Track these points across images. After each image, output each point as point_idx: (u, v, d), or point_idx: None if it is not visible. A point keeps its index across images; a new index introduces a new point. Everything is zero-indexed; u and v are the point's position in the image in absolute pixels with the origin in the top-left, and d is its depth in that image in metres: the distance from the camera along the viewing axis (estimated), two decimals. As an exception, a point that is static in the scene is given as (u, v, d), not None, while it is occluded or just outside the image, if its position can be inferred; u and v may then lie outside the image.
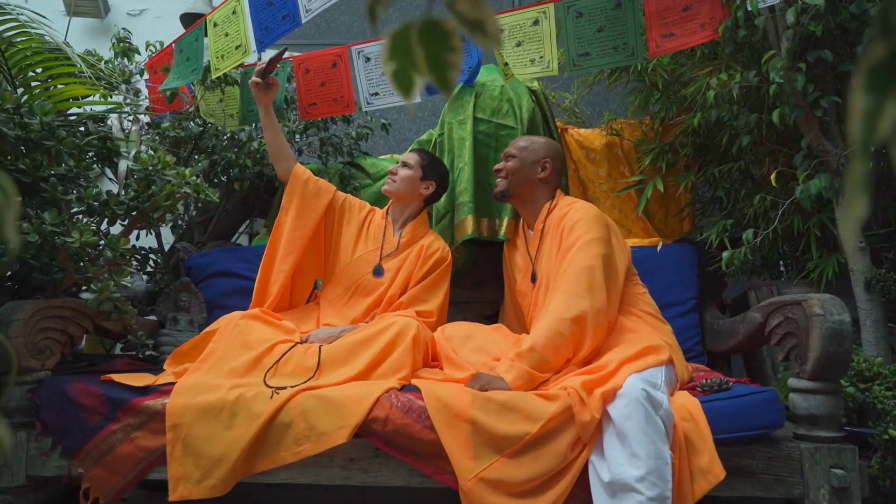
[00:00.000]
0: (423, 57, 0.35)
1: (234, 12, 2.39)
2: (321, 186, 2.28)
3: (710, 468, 1.50)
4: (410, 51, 0.38)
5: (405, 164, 2.29)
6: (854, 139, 0.26)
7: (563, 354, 1.73)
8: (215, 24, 2.45)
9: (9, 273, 1.96)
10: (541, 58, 2.31)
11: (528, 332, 2.06)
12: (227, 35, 2.41)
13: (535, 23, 2.32)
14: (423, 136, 2.86)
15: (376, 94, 2.54)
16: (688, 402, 1.59)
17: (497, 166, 2.18)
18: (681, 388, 1.74)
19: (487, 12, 0.37)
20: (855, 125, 0.25)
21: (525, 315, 2.14)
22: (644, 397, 1.49)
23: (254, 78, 2.19)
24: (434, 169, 2.31)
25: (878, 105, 0.25)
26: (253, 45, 2.35)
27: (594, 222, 1.91)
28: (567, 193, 2.60)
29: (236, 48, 2.39)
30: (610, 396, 1.52)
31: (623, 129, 2.93)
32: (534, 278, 2.07)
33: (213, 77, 2.49)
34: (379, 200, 2.76)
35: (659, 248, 2.50)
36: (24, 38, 2.16)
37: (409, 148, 2.84)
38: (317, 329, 2.08)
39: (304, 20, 2.25)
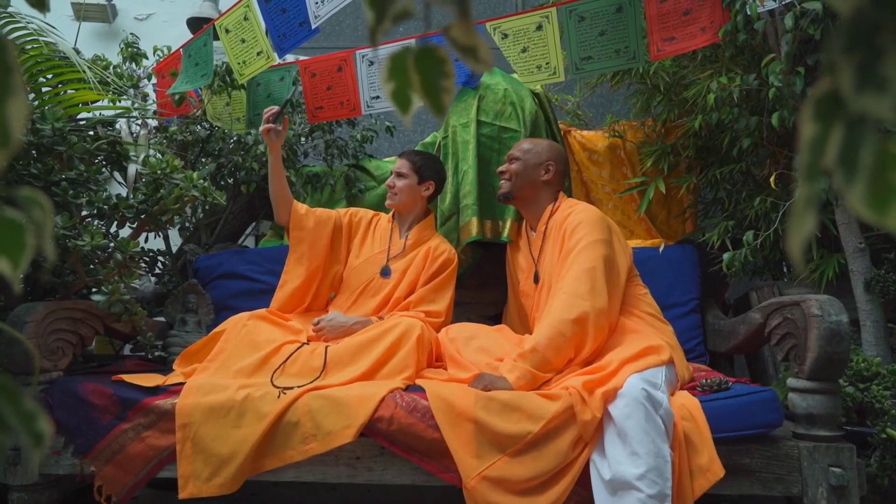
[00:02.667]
0: (418, 82, 0.38)
1: (245, 18, 2.43)
2: (320, 214, 2.31)
3: (710, 466, 1.53)
4: (408, 72, 0.41)
5: (400, 175, 2.29)
6: (801, 164, 0.29)
7: (565, 355, 1.76)
8: (227, 31, 2.49)
9: (21, 275, 2.00)
10: (547, 63, 2.34)
11: (531, 333, 2.09)
12: (243, 41, 2.46)
13: (539, 27, 2.35)
14: (428, 139, 2.89)
15: (377, 97, 2.58)
16: (687, 402, 1.61)
17: (500, 168, 2.20)
18: (681, 388, 1.76)
19: (479, 39, 0.40)
20: (803, 152, 0.28)
21: (528, 315, 2.17)
22: (644, 397, 1.52)
23: (265, 125, 2.15)
24: (429, 168, 2.32)
25: (825, 133, 0.28)
26: (273, 51, 2.41)
27: (596, 224, 1.93)
28: (570, 195, 2.63)
29: (258, 54, 2.44)
30: (610, 396, 1.55)
31: (625, 131, 2.95)
32: (536, 279, 2.10)
33: (240, 82, 2.54)
34: (382, 202, 2.78)
35: (661, 249, 2.52)
36: (34, 46, 2.20)
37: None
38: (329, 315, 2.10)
39: (313, 26, 2.29)
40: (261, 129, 2.16)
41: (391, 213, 2.39)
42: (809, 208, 0.28)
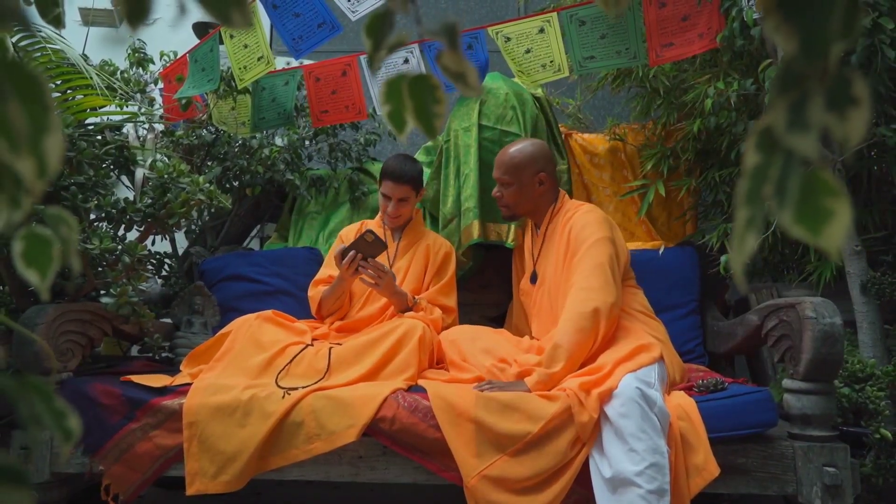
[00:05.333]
0: (411, 107, 0.41)
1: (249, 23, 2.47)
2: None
3: (706, 465, 1.56)
4: (402, 95, 0.45)
5: (403, 200, 2.28)
6: (743, 190, 0.32)
7: (587, 348, 1.78)
8: (232, 36, 2.53)
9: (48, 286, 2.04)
10: (551, 62, 2.37)
11: (530, 332, 2.13)
12: (246, 47, 2.50)
13: (541, 31, 2.38)
14: (430, 143, 2.92)
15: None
16: (684, 402, 1.65)
17: (496, 193, 2.16)
18: (678, 388, 1.79)
19: (468, 66, 0.43)
20: (745, 178, 0.32)
21: (528, 314, 2.20)
22: (639, 396, 1.55)
23: (351, 274, 2.12)
24: (420, 178, 2.34)
25: (766, 162, 0.31)
26: (273, 56, 2.46)
27: (601, 223, 1.98)
28: (571, 197, 2.66)
29: (258, 59, 2.48)
30: (606, 397, 1.59)
31: (626, 134, 2.98)
32: (533, 279, 2.14)
33: (240, 87, 2.58)
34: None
35: (661, 252, 2.55)
36: (44, 53, 2.23)
37: (416, 156, 2.90)
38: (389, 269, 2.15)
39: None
40: (350, 275, 2.12)
41: (380, 219, 2.43)
42: (750, 230, 0.32)
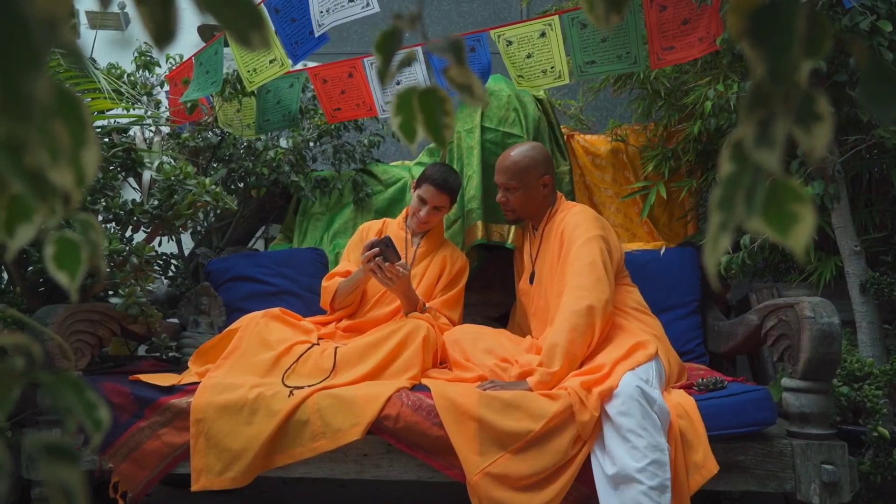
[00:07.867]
0: (421, 119, 0.44)
1: (257, 26, 2.49)
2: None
3: (705, 463, 1.58)
4: (413, 108, 0.47)
5: (438, 209, 2.30)
6: (716, 196, 0.35)
7: (584, 343, 1.81)
8: None
9: (41, 279, 2.08)
10: (552, 68, 2.39)
11: (530, 332, 2.16)
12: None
13: (542, 34, 2.40)
14: (433, 144, 2.95)
15: (391, 102, 2.64)
16: (683, 401, 1.67)
17: (500, 199, 2.19)
18: (678, 387, 1.82)
19: (474, 78, 0.46)
20: (720, 185, 0.34)
21: (527, 313, 2.23)
22: (639, 394, 1.58)
23: (369, 268, 2.07)
24: (458, 192, 2.36)
25: (739, 172, 0.34)
26: (288, 59, 2.48)
27: (592, 222, 2.02)
28: (573, 199, 2.69)
29: (270, 62, 2.49)
30: (607, 395, 1.61)
31: (627, 135, 3.00)
32: (531, 279, 2.18)
33: (249, 90, 2.60)
34: (390, 206, 2.85)
35: (662, 252, 2.57)
36: (53, 57, 2.27)
37: (420, 158, 2.93)
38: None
39: (317, 34, 2.35)
40: (369, 267, 2.06)
41: (403, 220, 2.44)
42: (723, 233, 0.34)
